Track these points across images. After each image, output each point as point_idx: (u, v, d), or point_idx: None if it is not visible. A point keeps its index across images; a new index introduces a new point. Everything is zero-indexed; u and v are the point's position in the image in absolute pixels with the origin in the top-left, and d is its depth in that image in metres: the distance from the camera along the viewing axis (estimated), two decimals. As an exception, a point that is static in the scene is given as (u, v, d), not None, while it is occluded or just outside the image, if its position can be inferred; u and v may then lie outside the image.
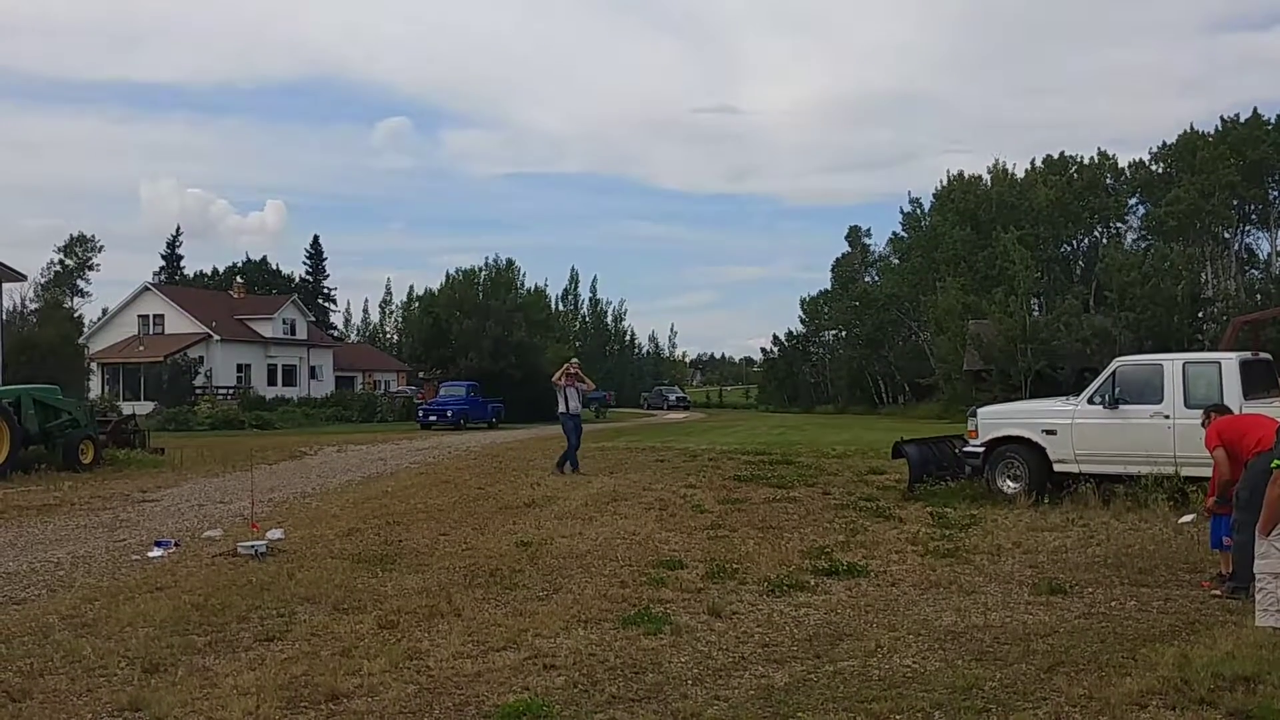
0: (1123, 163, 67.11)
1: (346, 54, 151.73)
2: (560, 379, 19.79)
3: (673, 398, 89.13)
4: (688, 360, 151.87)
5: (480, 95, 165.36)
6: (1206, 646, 6.53)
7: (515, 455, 24.73)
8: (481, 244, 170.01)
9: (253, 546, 10.40)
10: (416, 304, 77.59)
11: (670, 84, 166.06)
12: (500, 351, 54.35)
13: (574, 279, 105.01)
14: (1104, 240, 65.73)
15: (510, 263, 61.33)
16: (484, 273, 60.18)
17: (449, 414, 43.51)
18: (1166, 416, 12.92)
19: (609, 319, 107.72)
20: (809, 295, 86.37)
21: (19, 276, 31.45)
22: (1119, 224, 67.05)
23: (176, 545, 11.15)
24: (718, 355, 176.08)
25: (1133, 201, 66.60)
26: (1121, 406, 13.32)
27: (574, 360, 20.91)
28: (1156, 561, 9.49)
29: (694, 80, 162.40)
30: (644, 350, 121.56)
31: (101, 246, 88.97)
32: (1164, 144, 65.45)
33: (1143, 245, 61.55)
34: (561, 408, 19.66)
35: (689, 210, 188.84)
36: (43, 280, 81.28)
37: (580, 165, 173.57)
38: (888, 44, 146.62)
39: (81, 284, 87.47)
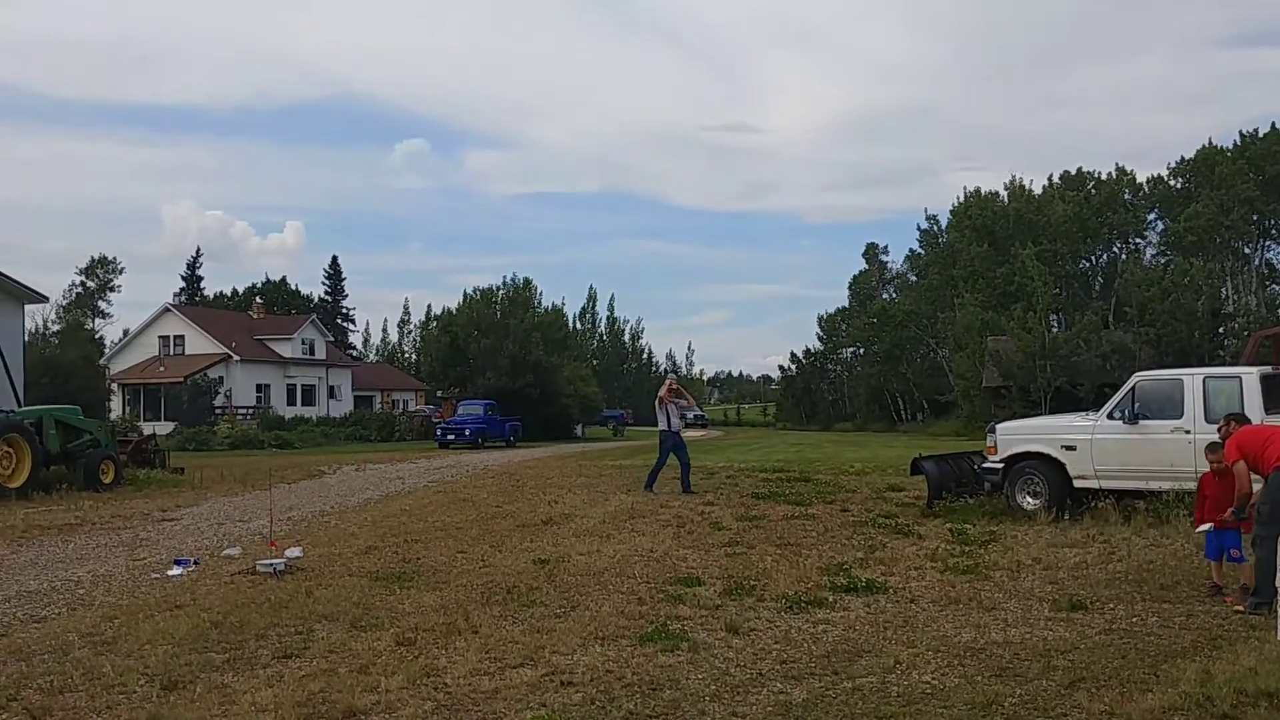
0: (1141, 178, 67.08)
1: (365, 76, 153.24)
2: (665, 395, 19.08)
3: (690, 415, 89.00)
4: (705, 378, 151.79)
5: (497, 116, 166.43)
6: (1229, 662, 6.47)
7: (533, 474, 24.73)
8: (499, 263, 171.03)
9: (271, 564, 10.43)
10: (434, 323, 78.00)
11: (686, 102, 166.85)
12: (518, 370, 54.47)
13: (591, 297, 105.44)
14: (1123, 256, 65.54)
15: (528, 282, 61.61)
16: (501, 292, 60.42)
17: (467, 433, 43.60)
18: (1187, 431, 12.82)
19: (626, 337, 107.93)
20: (826, 312, 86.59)
21: (41, 298, 31.72)
22: (1138, 239, 66.89)
23: (196, 563, 11.19)
24: (735, 373, 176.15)
25: (1151, 217, 66.45)
26: (1141, 422, 13.22)
27: (673, 376, 20.50)
28: (1178, 577, 9.41)
29: (710, 98, 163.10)
30: (662, 368, 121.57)
31: (123, 268, 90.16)
32: (1182, 159, 65.44)
33: (1162, 260, 61.35)
34: (663, 424, 19.03)
35: (705, 228, 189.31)
36: (64, 302, 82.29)
37: (597, 184, 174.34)
38: (903, 60, 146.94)
39: (103, 305, 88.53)
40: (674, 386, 19.47)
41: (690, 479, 18.63)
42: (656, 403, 19.33)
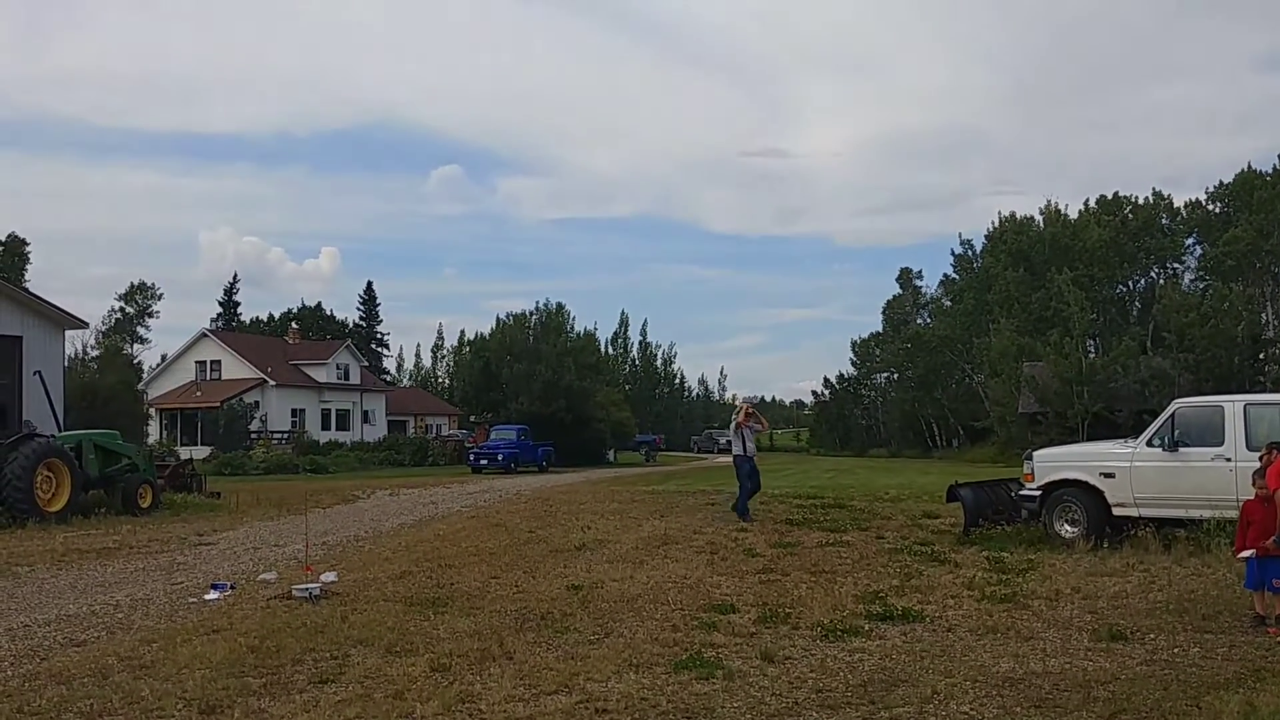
0: (1178, 202, 66.42)
1: (400, 102, 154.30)
2: (742, 420, 18.84)
3: (723, 441, 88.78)
4: (738, 403, 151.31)
5: (531, 141, 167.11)
6: (1273, 694, 6.37)
7: (566, 499, 24.73)
8: (533, 289, 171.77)
9: (307, 589, 10.48)
10: (467, 348, 78.34)
11: (719, 127, 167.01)
12: (550, 395, 54.54)
13: (624, 322, 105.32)
14: (1160, 281, 64.82)
15: (560, 306, 61.72)
16: (534, 316, 60.57)
17: (500, 458, 43.67)
18: (1228, 459, 12.66)
19: (659, 362, 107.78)
20: (860, 337, 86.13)
21: (81, 324, 32.12)
22: (1175, 264, 66.17)
23: (232, 588, 11.26)
24: (768, 398, 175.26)
25: (1189, 241, 65.75)
26: (1181, 449, 13.07)
27: (746, 400, 20.23)
28: (1220, 607, 9.27)
29: (743, 123, 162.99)
30: (694, 393, 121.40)
31: (161, 294, 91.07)
32: (1220, 183, 64.75)
33: (1200, 286, 60.66)
34: (738, 449, 18.75)
35: (738, 253, 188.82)
36: (103, 327, 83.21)
37: (630, 209, 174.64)
38: (937, 84, 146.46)
39: (141, 331, 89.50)
40: (750, 411, 19.21)
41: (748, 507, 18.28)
42: (732, 428, 18.96)
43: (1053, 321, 55.05)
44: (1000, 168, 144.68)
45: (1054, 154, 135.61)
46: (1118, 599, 9.92)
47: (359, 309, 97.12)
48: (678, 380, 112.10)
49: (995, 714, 6.17)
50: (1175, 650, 7.82)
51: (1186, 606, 9.35)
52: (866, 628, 8.72)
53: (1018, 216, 69.76)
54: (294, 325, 79.23)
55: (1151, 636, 8.26)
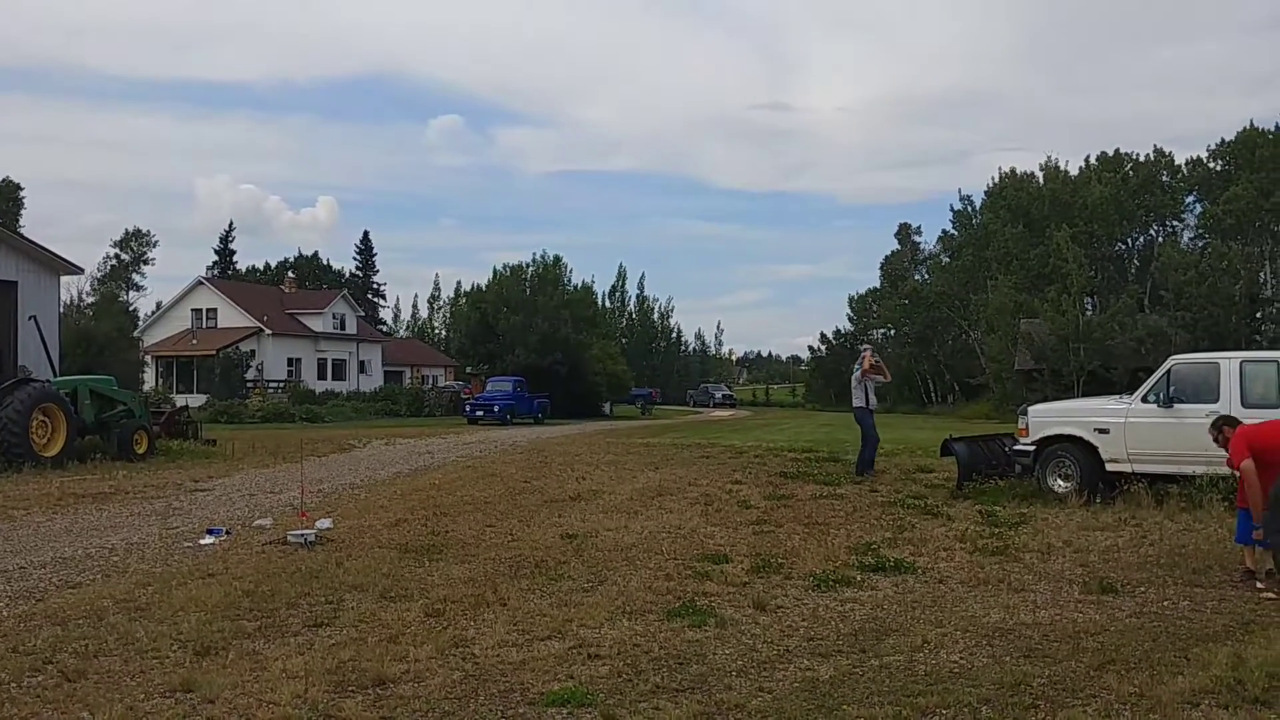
0: (1179, 160, 66.03)
1: (401, 52, 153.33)
2: (866, 369, 17.42)
3: (719, 395, 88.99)
4: (734, 358, 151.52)
5: (533, 93, 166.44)
6: (1261, 646, 6.41)
7: (561, 450, 24.81)
8: (532, 241, 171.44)
9: (302, 535, 10.53)
10: (464, 299, 78.12)
11: (723, 81, 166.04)
12: (547, 347, 54.53)
13: (621, 275, 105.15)
14: (1160, 239, 64.66)
15: (558, 259, 61.50)
16: (531, 269, 60.37)
17: (496, 409, 43.71)
18: (1223, 416, 12.67)
19: (656, 316, 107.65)
20: (858, 293, 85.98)
21: (76, 270, 32.03)
22: (1175, 222, 65.90)
23: (228, 533, 11.30)
24: (764, 353, 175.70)
25: (1190, 199, 65.43)
26: (1176, 405, 13.07)
27: (869, 348, 18.48)
28: (1211, 562, 9.32)
29: (747, 78, 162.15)
30: (690, 348, 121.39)
31: (156, 242, 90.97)
32: (1222, 141, 64.33)
33: (1200, 244, 60.53)
34: (859, 401, 17.44)
35: (740, 208, 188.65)
36: (99, 274, 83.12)
37: (632, 163, 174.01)
38: (941, 42, 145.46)
39: (137, 278, 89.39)
40: (874, 360, 17.80)
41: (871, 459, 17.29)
42: (855, 378, 17.65)
43: (1051, 278, 54.92)
44: (1002, 125, 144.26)
45: (1056, 112, 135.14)
46: (1109, 553, 9.97)
47: (355, 259, 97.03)
48: (675, 334, 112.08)
49: (985, 663, 6.22)
50: (1165, 603, 7.86)
51: (1177, 561, 9.39)
52: (858, 578, 8.76)
53: (1018, 173, 69.48)
54: (290, 274, 79.05)
55: (1141, 590, 8.31)
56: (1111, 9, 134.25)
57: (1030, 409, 14.90)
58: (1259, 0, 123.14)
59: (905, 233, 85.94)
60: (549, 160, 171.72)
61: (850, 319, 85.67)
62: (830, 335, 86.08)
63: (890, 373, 17.53)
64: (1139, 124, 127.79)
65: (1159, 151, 66.11)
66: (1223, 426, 9.21)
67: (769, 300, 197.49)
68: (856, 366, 17.83)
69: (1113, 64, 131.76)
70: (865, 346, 18.87)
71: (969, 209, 73.78)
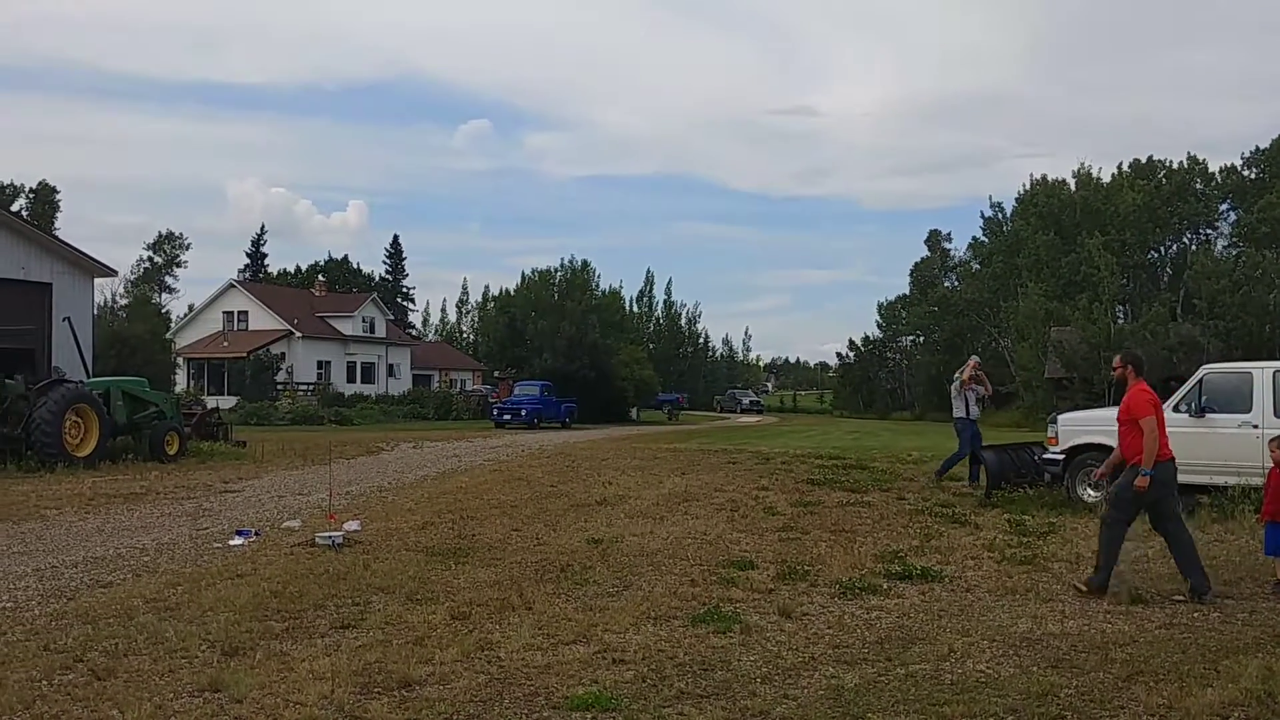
0: (1213, 167, 65.36)
1: (430, 56, 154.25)
2: (967, 379, 17.28)
3: (746, 401, 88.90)
4: (761, 364, 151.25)
5: (559, 97, 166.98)
6: (1294, 660, 6.33)
7: (588, 455, 24.82)
8: (558, 245, 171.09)
9: (330, 537, 10.59)
10: (493, 304, 78.41)
11: (746, 85, 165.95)
12: (574, 352, 54.65)
13: (649, 281, 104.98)
14: (1193, 247, 64.00)
15: (585, 264, 61.66)
16: (559, 274, 60.53)
17: (523, 413, 43.86)
18: (1255, 426, 12.55)
19: (683, 321, 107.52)
20: (886, 299, 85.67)
21: (110, 272, 32.35)
22: (1209, 230, 65.24)
23: (257, 535, 11.39)
24: (791, 359, 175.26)
25: (1224, 208, 64.78)
26: (1208, 415, 12.95)
27: (976, 358, 18.33)
28: (1242, 573, 9.24)
29: (770, 81, 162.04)
30: (718, 353, 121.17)
31: (189, 244, 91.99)
32: (1257, 149, 63.65)
33: (1233, 253, 59.84)
34: (959, 412, 17.31)
35: (764, 212, 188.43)
36: (132, 276, 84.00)
37: (656, 167, 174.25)
38: (967, 45, 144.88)
39: (169, 280, 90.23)
40: (977, 370, 17.60)
41: (951, 468, 17.39)
42: (955, 387, 17.48)
43: (1082, 286, 54.53)
44: (1030, 130, 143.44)
45: (1085, 117, 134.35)
46: (1138, 563, 9.86)
47: (385, 263, 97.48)
48: (702, 340, 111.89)
49: (1011, 673, 6.18)
50: (1195, 614, 7.79)
51: (1208, 572, 9.28)
52: (885, 586, 8.72)
53: (1049, 180, 68.97)
54: (320, 278, 79.51)
55: (1171, 600, 8.23)
56: (1140, 12, 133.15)
57: (1060, 417, 14.80)
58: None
59: (935, 239, 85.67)
60: (575, 164, 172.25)
61: (879, 325, 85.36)
62: (859, 342, 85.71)
63: (960, 383, 17.25)
64: (1167, 130, 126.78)
65: (1192, 159, 65.53)
66: None
67: (793, 305, 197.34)
68: (957, 376, 17.75)
69: (1141, 68, 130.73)
70: (972, 357, 18.80)
71: (1000, 215, 73.40)
